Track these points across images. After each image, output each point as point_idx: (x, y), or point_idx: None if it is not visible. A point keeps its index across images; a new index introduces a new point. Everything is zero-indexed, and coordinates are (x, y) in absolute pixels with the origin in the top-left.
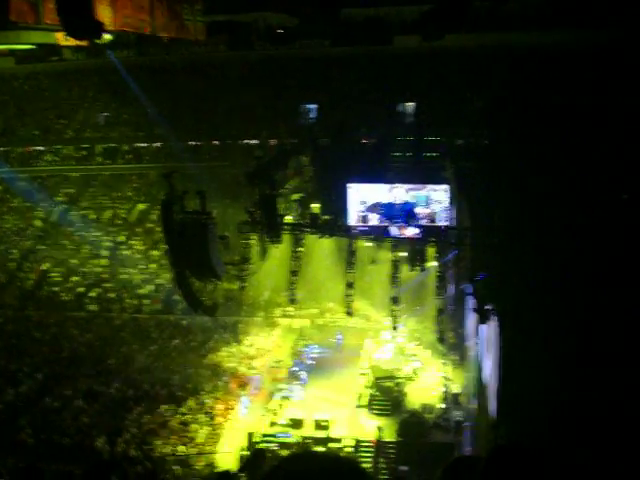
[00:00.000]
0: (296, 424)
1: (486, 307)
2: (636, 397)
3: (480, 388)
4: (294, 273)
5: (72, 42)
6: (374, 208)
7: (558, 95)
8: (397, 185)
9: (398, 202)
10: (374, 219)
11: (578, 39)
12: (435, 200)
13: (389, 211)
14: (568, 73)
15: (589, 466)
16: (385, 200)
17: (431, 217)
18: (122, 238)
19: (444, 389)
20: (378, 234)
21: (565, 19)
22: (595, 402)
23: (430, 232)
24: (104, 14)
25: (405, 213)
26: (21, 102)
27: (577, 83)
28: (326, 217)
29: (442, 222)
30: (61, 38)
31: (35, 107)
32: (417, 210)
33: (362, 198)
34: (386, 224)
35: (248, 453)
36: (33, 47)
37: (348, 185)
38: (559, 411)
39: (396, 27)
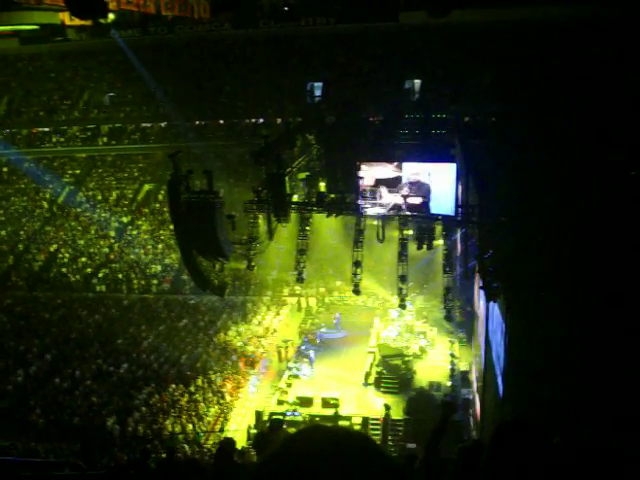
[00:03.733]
0: (304, 402)
1: (494, 285)
2: None
3: (487, 366)
4: (301, 252)
5: (76, 22)
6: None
7: (566, 70)
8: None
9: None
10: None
11: (586, 13)
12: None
13: None
14: (577, 47)
15: (591, 446)
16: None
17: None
18: (129, 219)
19: (452, 367)
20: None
21: None
22: (602, 383)
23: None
24: None
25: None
26: (26, 83)
27: (586, 57)
28: (333, 195)
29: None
30: (65, 18)
31: (40, 88)
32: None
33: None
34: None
35: (256, 431)
36: (37, 27)
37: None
38: (564, 391)
39: (402, 3)
